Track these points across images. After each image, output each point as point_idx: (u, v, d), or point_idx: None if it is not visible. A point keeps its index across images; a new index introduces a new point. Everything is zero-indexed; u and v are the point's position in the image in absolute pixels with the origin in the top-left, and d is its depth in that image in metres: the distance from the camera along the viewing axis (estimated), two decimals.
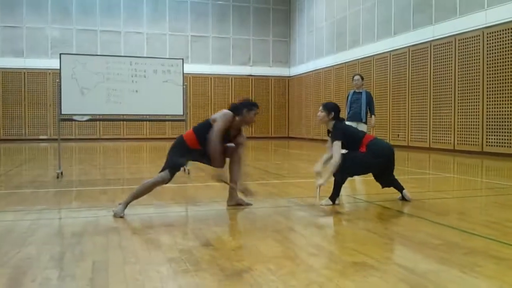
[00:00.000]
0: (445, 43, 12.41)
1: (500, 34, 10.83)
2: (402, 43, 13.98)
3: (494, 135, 11.02)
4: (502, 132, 10.82)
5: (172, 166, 4.36)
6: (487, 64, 11.15)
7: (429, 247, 3.17)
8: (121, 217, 4.13)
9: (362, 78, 8.94)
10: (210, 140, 4.34)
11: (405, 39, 13.85)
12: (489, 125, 11.14)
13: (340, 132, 4.84)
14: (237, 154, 4.67)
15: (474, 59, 11.52)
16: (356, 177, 6.30)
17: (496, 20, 10.91)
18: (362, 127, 8.67)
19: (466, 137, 11.79)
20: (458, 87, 12.00)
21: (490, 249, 3.13)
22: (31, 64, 18.89)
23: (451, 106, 12.26)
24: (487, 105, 11.17)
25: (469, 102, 11.69)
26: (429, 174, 8.09)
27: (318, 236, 3.62)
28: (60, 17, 19.21)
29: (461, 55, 11.94)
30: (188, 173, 7.46)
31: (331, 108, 4.99)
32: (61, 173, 7.21)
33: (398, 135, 14.20)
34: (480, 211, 4.69)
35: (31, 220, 4.04)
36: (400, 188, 5.01)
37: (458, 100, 12.02)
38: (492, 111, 11.06)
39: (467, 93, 11.74)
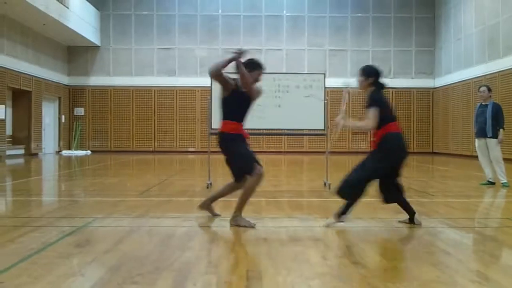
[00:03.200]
0: None
1: None
2: None
3: None
4: None
5: (254, 160, 4.36)
6: None
7: None
8: (252, 226, 4.29)
9: (489, 90, 8.11)
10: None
11: None
12: None
13: (377, 100, 4.30)
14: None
15: None
16: None
17: None
18: (491, 143, 7.82)
19: None
20: None
21: None
22: (181, 83, 20.62)
23: None
24: None
25: None
26: None
27: (477, 262, 3.33)
28: (208, 39, 20.70)
29: None
30: (329, 188, 7.43)
31: (370, 72, 4.48)
32: (211, 183, 7.68)
33: None
34: None
35: (188, 227, 4.37)
36: (410, 211, 4.37)
37: None
38: None
39: None
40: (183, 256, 3.31)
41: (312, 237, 4.05)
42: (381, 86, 4.52)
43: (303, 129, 8.53)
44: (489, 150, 7.91)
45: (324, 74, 8.28)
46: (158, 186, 7.99)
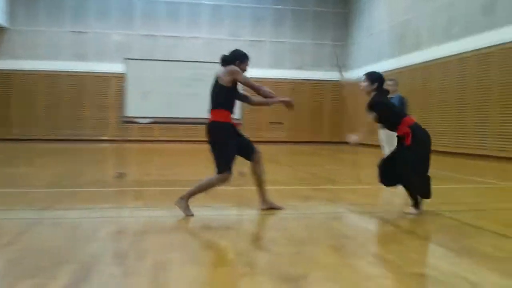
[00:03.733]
0: None
1: None
2: (469, 47, 13.34)
3: None
4: None
5: (228, 163, 4.44)
6: None
7: (494, 260, 3.03)
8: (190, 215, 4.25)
9: (396, 83, 8.71)
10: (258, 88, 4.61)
11: (474, 42, 13.21)
12: None
13: (378, 103, 4.59)
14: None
15: None
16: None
17: None
18: (394, 134, 8.42)
19: None
20: None
21: None
22: (95, 68, 19.74)
23: None
24: None
25: None
26: None
27: (376, 245, 3.56)
28: (124, 23, 19.99)
29: None
30: (244, 176, 7.52)
31: (376, 78, 4.75)
32: (123, 173, 7.47)
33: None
34: None
35: (95, 218, 4.24)
36: (415, 196, 4.60)
37: None
38: None
39: None
40: (89, 247, 3.21)
41: (224, 225, 4.10)
42: (385, 92, 4.76)
43: None
44: (392, 139, 8.43)
45: None
46: (66, 176, 7.63)
